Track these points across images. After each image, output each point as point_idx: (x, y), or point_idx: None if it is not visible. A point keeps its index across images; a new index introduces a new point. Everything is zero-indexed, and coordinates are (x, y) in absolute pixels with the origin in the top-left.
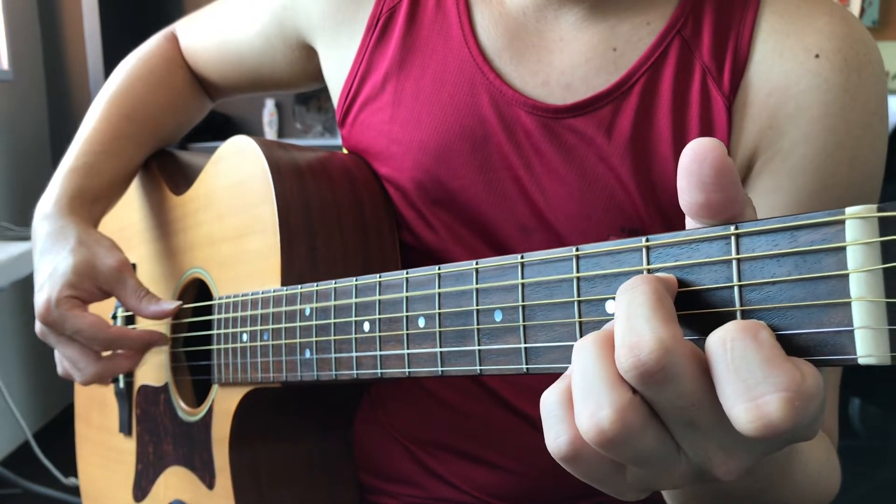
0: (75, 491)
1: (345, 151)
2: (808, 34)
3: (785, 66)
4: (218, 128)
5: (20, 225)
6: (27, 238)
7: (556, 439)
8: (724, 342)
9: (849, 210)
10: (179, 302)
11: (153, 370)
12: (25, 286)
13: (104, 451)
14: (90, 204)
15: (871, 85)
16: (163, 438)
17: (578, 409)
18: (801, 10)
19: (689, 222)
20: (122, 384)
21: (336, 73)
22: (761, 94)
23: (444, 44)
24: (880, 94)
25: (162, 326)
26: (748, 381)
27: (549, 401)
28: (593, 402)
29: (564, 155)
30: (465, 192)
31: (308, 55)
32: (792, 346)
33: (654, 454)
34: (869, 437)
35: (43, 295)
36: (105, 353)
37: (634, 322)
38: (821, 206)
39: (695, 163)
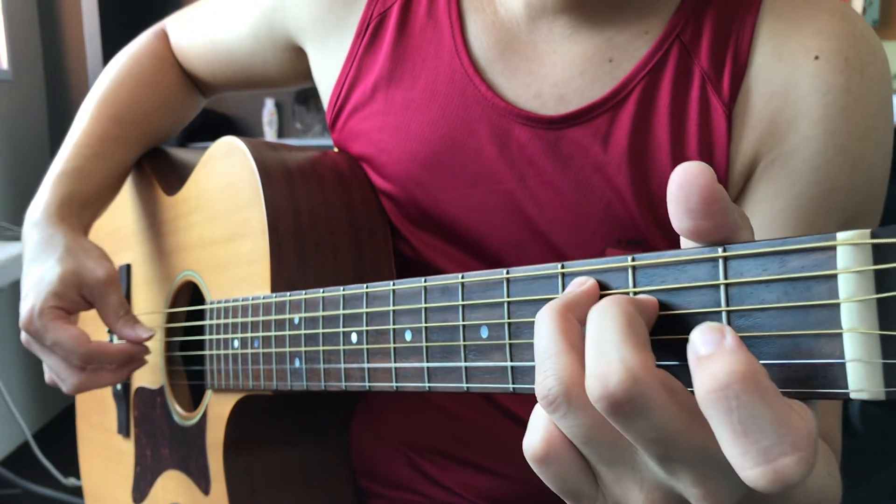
0: (75, 491)
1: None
2: (808, 35)
3: (785, 69)
4: (217, 127)
5: (19, 225)
6: None
7: (529, 439)
8: (727, 399)
9: (840, 235)
10: (152, 332)
11: (150, 372)
12: None
13: (105, 452)
14: (80, 209)
15: (874, 86)
16: (160, 441)
17: (536, 377)
18: (802, 11)
19: (684, 241)
20: (119, 385)
21: (325, 76)
22: (761, 99)
23: (436, 53)
24: (884, 94)
25: (157, 330)
26: (761, 443)
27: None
28: (542, 367)
29: (559, 166)
30: (456, 205)
31: (298, 56)
32: (781, 377)
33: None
34: (869, 437)
35: (27, 304)
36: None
37: (603, 348)
38: (822, 212)
39: (682, 190)
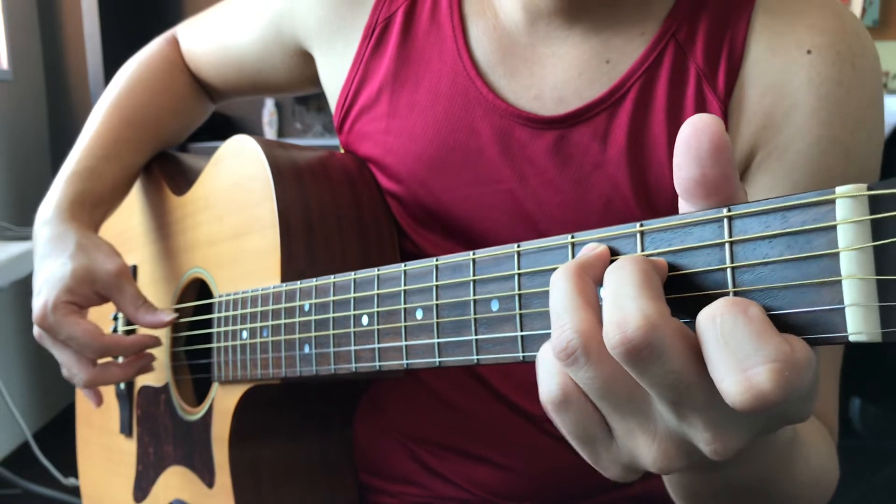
0: (75, 491)
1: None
2: (800, 30)
3: (778, 63)
4: (218, 128)
5: (20, 225)
6: (27, 238)
7: (547, 386)
8: (713, 318)
9: (839, 189)
10: (176, 314)
11: (154, 370)
12: (25, 286)
13: (105, 453)
14: (91, 208)
15: (866, 78)
16: (163, 439)
17: (552, 332)
18: (794, 6)
19: (682, 206)
20: (122, 385)
21: (332, 80)
22: (755, 93)
23: (439, 57)
24: (875, 87)
25: (162, 342)
26: (738, 354)
27: (544, 355)
28: (560, 322)
29: (560, 165)
30: (458, 206)
31: (306, 61)
32: (785, 325)
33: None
34: (869, 437)
35: (40, 299)
36: (101, 360)
37: (621, 300)
38: None
39: (693, 136)
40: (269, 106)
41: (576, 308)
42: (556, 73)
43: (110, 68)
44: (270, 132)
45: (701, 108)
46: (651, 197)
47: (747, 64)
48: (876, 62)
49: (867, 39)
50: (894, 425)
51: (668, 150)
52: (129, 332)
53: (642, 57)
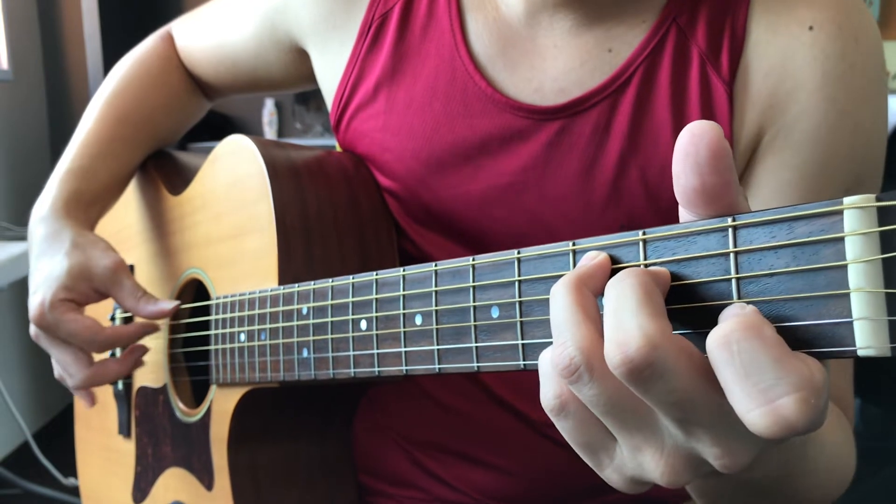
0: (75, 491)
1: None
2: (800, 7)
3: (780, 42)
4: (217, 127)
5: (19, 225)
6: (27, 238)
7: (547, 393)
8: (728, 344)
9: (847, 200)
10: (177, 302)
11: (152, 371)
12: (25, 286)
13: (104, 454)
14: (86, 206)
15: (869, 51)
16: (161, 440)
17: (553, 348)
18: None
19: (683, 215)
20: (120, 386)
21: (328, 78)
22: (760, 74)
23: (436, 52)
24: (878, 61)
25: (162, 327)
26: (760, 384)
27: (544, 360)
28: (561, 339)
29: (562, 156)
30: (458, 203)
31: (301, 58)
32: (792, 338)
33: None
34: (869, 437)
35: (37, 298)
36: (97, 358)
37: (621, 317)
38: (826, 180)
39: (692, 144)
40: (269, 106)
41: (577, 323)
42: (558, 64)
43: (110, 68)
44: (270, 132)
45: (705, 91)
46: (656, 186)
47: (749, 45)
48: (877, 36)
49: (867, 14)
50: (894, 425)
51: (672, 136)
52: None
53: (643, 43)
